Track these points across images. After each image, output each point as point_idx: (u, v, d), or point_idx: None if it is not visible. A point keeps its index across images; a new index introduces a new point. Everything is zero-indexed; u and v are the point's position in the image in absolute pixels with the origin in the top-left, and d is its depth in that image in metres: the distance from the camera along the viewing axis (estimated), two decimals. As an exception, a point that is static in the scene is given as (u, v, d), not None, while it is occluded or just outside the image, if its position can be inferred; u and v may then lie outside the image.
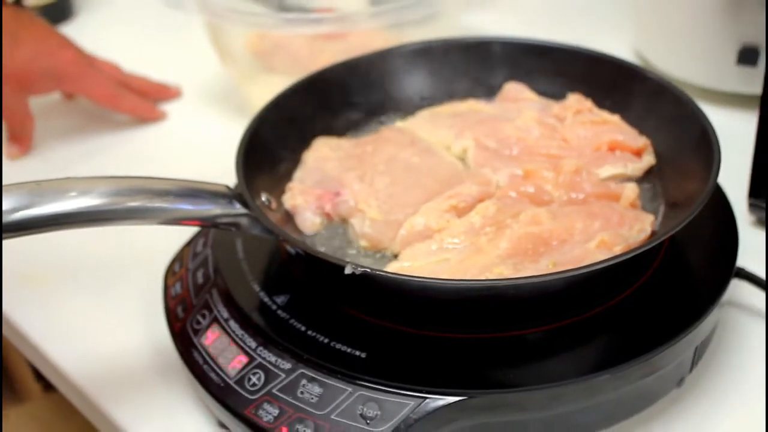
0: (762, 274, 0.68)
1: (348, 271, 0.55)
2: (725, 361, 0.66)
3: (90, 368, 0.68)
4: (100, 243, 0.78)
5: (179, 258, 0.70)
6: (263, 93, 0.98)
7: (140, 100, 1.00)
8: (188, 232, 0.72)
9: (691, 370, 0.62)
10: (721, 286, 0.62)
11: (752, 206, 0.77)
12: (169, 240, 0.73)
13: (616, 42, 1.05)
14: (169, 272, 0.70)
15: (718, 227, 0.67)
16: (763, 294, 0.69)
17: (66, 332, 0.72)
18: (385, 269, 0.61)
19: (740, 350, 0.67)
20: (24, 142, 0.94)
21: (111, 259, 0.77)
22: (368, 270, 0.55)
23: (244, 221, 0.61)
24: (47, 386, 1.29)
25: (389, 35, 0.94)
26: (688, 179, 0.65)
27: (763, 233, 0.77)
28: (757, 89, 0.90)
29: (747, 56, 0.88)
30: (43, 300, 0.75)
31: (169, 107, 1.02)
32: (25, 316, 0.74)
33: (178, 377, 0.66)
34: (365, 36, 0.96)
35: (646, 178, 0.70)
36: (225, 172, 0.79)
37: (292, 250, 0.64)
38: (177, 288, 0.67)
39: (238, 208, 0.60)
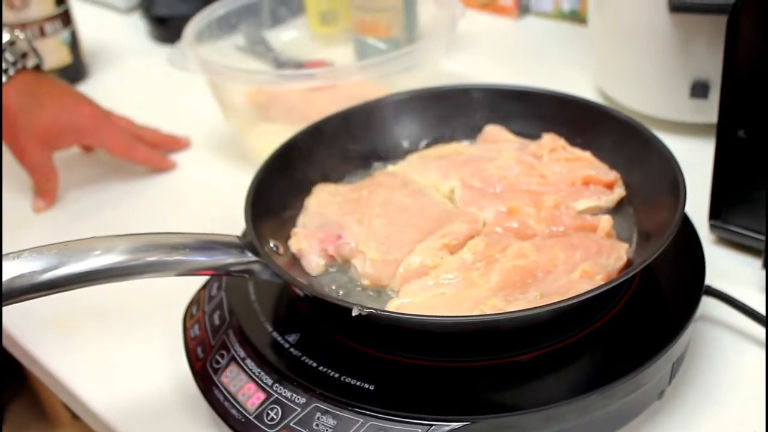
0: (726, 290, 0.68)
1: (355, 312, 0.53)
2: (699, 371, 0.65)
3: (117, 405, 0.67)
4: (122, 289, 0.74)
5: (196, 301, 0.69)
6: (263, 141, 0.97)
7: (152, 151, 0.98)
8: (203, 277, 0.70)
9: (669, 382, 0.61)
10: (693, 304, 0.61)
11: (713, 227, 0.76)
12: (185, 284, 0.71)
13: (578, 79, 1.05)
14: (188, 315, 0.68)
15: (685, 249, 0.66)
16: (729, 309, 0.68)
17: (94, 373, 0.70)
18: (387, 308, 0.59)
19: (712, 360, 0.66)
20: (49, 195, 0.92)
21: (132, 304, 0.75)
22: (373, 311, 0.54)
23: (255, 268, 0.59)
24: (76, 414, 1.27)
25: (376, 83, 0.93)
26: (656, 208, 0.65)
27: (723, 251, 0.76)
28: (709, 119, 0.91)
29: (698, 90, 0.88)
30: (70, 344, 0.73)
31: (178, 157, 1.00)
32: (54, 359, 0.72)
33: (199, 413, 0.65)
34: (354, 85, 0.95)
35: (618, 208, 0.69)
36: (231, 216, 0.78)
37: (300, 293, 0.63)
38: (195, 330, 0.66)
39: (249, 257, 0.59)
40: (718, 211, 0.75)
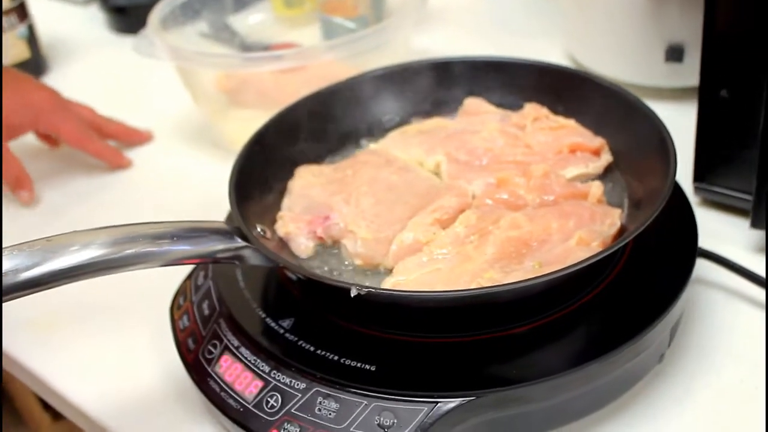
0: (715, 251, 0.68)
1: (354, 293, 0.52)
2: (696, 333, 0.65)
3: (107, 403, 0.64)
4: (101, 285, 0.72)
5: (182, 292, 0.67)
6: (236, 127, 0.95)
7: (107, 146, 0.94)
8: (186, 267, 0.68)
9: (669, 345, 0.61)
10: (688, 267, 0.60)
11: (697, 189, 0.76)
12: (167, 276, 0.68)
13: (550, 49, 1.04)
14: (174, 306, 0.66)
15: (675, 212, 0.65)
16: (720, 269, 0.68)
17: (80, 371, 0.68)
18: (383, 286, 0.58)
19: (707, 321, 0.66)
20: (26, 183, 0.88)
21: (113, 300, 0.73)
22: (372, 290, 0.52)
23: (245, 253, 0.57)
24: (56, 416, 1.24)
25: (347, 63, 0.91)
26: (645, 171, 0.64)
27: (709, 212, 0.76)
28: (685, 82, 0.91)
29: (673, 54, 0.88)
30: (53, 344, 0.71)
31: (148, 147, 0.97)
32: (37, 360, 0.69)
33: (193, 405, 0.63)
34: (325, 66, 0.93)
35: (606, 174, 0.68)
36: (208, 204, 0.76)
37: (294, 276, 0.61)
38: (184, 321, 0.64)
39: (239, 242, 0.57)
40: (702, 173, 0.75)
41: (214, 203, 0.81)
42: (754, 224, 0.69)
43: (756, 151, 0.70)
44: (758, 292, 0.67)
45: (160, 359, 0.67)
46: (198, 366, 0.60)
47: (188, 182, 0.91)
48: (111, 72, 1.15)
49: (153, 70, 1.05)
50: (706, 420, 0.58)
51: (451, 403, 0.52)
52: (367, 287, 0.52)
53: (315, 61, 0.89)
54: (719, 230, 0.73)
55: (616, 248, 0.54)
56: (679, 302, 0.58)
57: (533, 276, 0.52)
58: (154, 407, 0.64)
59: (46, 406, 1.21)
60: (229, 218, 0.70)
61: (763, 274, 0.66)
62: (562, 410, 0.56)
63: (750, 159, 0.71)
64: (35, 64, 1.14)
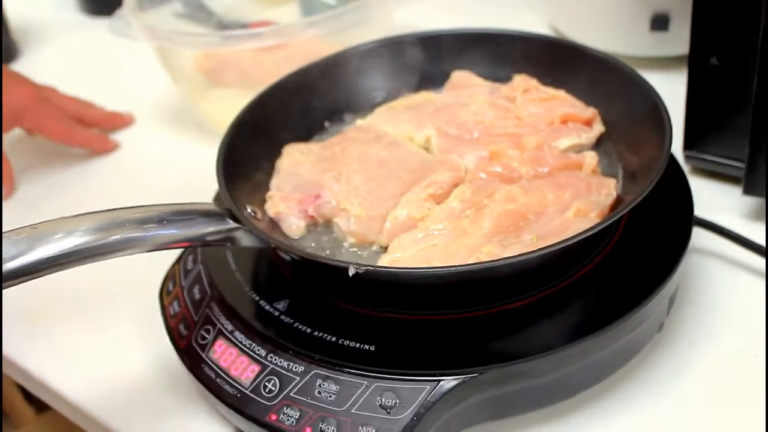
0: (711, 219, 0.67)
1: (352, 272, 0.50)
2: (693, 301, 0.64)
3: (97, 393, 0.63)
4: (85, 271, 0.71)
5: (171, 277, 0.65)
6: (217, 107, 0.93)
7: (92, 134, 0.92)
8: (174, 252, 0.66)
9: (668, 314, 0.60)
10: (685, 236, 0.60)
11: (688, 158, 0.75)
12: (155, 260, 0.67)
13: (534, 21, 1.03)
14: (164, 292, 0.64)
15: (669, 181, 0.64)
16: (713, 237, 0.67)
17: (67, 362, 0.66)
18: (380, 264, 0.56)
19: (704, 289, 0.65)
20: (7, 179, 0.86)
21: (99, 286, 0.71)
22: (370, 268, 0.51)
23: (237, 235, 0.56)
24: (40, 408, 1.21)
25: (328, 40, 0.90)
26: (638, 140, 0.63)
27: (700, 181, 0.76)
28: (670, 51, 0.90)
29: (659, 23, 0.87)
30: (37, 334, 0.69)
31: (128, 132, 0.95)
32: (22, 352, 0.67)
33: (187, 392, 0.61)
34: (305, 43, 0.91)
35: (598, 145, 0.67)
36: (192, 187, 0.74)
37: (287, 257, 0.60)
38: (175, 306, 0.62)
39: (230, 224, 0.56)
40: (692, 142, 0.74)
41: (199, 185, 0.79)
42: (747, 191, 0.69)
43: (746, 118, 0.69)
44: (754, 259, 0.66)
45: (150, 346, 0.65)
46: (191, 352, 0.58)
47: (172, 165, 0.89)
48: (85, 55, 1.13)
49: (129, 52, 1.03)
50: (705, 389, 0.58)
51: (454, 381, 0.51)
52: (365, 266, 0.51)
53: (295, 38, 0.87)
54: (711, 198, 0.73)
55: (617, 217, 0.52)
56: (677, 271, 0.57)
57: (535, 248, 0.50)
58: (146, 396, 0.62)
59: (30, 399, 1.19)
60: (217, 199, 0.68)
61: (758, 240, 0.66)
62: (563, 384, 0.55)
63: (740, 126, 0.70)
64: (6, 50, 1.11)
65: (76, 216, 0.52)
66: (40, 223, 0.51)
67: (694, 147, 0.74)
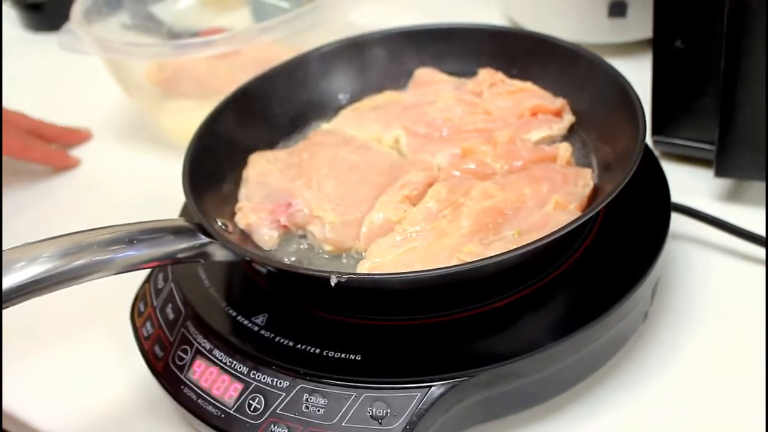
0: (684, 203, 0.67)
1: (334, 281, 0.49)
2: (673, 287, 0.64)
3: (73, 424, 0.60)
4: (49, 296, 0.69)
5: (141, 297, 0.62)
6: (174, 119, 0.91)
7: (51, 149, 0.90)
8: (143, 270, 0.64)
9: (651, 302, 0.60)
10: (664, 223, 0.59)
11: (656, 143, 0.75)
12: (122, 280, 0.64)
13: (488, 13, 1.02)
14: (135, 313, 0.62)
15: (643, 169, 0.63)
16: (687, 221, 0.67)
17: (39, 393, 0.63)
18: (360, 270, 0.55)
19: (684, 275, 0.65)
20: None
21: (64, 312, 0.68)
22: (353, 276, 0.49)
23: (210, 250, 0.54)
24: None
25: (283, 45, 0.88)
26: (610, 129, 0.62)
27: (669, 165, 0.75)
28: (628, 37, 0.90)
29: (616, 9, 0.86)
30: (7, 370, 0.65)
31: (85, 148, 0.92)
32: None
33: (167, 415, 0.59)
34: (260, 49, 0.89)
35: (569, 135, 0.66)
36: (154, 203, 0.73)
37: (263, 269, 0.58)
38: (148, 328, 0.60)
39: (203, 239, 0.53)
40: (660, 126, 0.74)
41: (162, 199, 0.77)
42: (719, 173, 0.68)
43: (713, 100, 0.69)
44: (731, 241, 0.66)
45: (124, 371, 0.63)
46: (169, 374, 0.56)
47: (132, 180, 0.86)
48: (33, 73, 1.09)
49: (78, 68, 1.00)
50: (694, 375, 0.58)
51: (444, 386, 0.50)
52: (347, 274, 0.49)
53: (250, 45, 0.85)
54: (682, 182, 0.72)
55: (601, 206, 0.51)
56: (660, 259, 0.57)
57: (521, 244, 0.49)
58: (124, 423, 0.60)
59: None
60: (184, 214, 0.66)
61: (733, 222, 0.65)
62: (554, 381, 0.54)
63: (707, 108, 0.71)
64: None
65: (38, 242, 0.49)
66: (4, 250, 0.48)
67: (662, 132, 0.74)
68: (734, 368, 0.58)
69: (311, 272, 0.52)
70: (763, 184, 0.71)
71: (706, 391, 0.56)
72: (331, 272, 0.49)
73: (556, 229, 0.51)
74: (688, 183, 0.73)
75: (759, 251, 0.65)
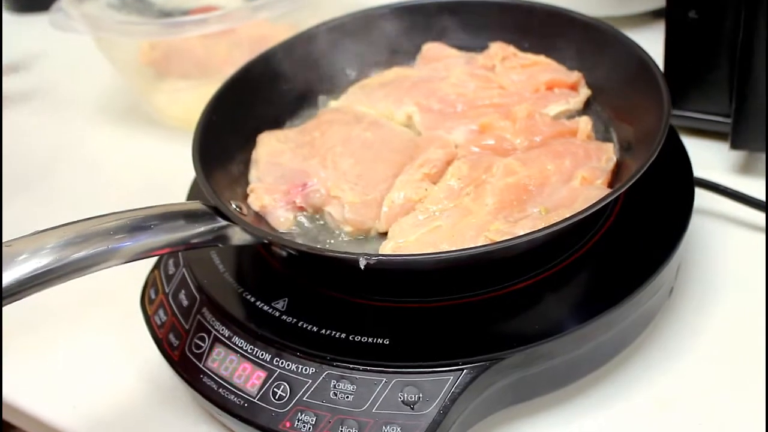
0: (702, 176, 0.65)
1: (363, 263, 0.47)
2: (696, 261, 0.63)
3: (84, 417, 0.58)
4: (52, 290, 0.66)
5: (152, 284, 0.60)
6: (169, 99, 0.88)
7: None
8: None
9: (676, 278, 0.58)
10: (689, 198, 0.58)
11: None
12: (127, 267, 0.62)
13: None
14: (146, 301, 0.59)
15: (665, 144, 0.62)
16: (706, 194, 0.66)
17: (48, 386, 0.60)
18: (381, 252, 0.53)
19: (705, 249, 0.64)
20: None
21: (71, 301, 0.65)
22: (383, 257, 0.47)
23: (228, 233, 0.51)
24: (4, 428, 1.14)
25: (278, 23, 0.85)
26: (629, 101, 0.61)
27: (684, 139, 0.74)
28: (638, 8, 0.88)
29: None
30: (11, 360, 0.63)
31: (79, 132, 0.89)
32: (5, 386, 0.61)
33: (184, 405, 0.57)
34: (255, 26, 0.86)
35: (585, 109, 0.65)
36: (156, 185, 0.70)
37: (283, 252, 0.55)
38: (161, 315, 0.57)
39: (221, 222, 0.51)
40: (673, 99, 0.72)
41: (162, 182, 0.75)
42: (734, 145, 0.67)
43: (726, 71, 0.68)
44: (750, 214, 0.65)
45: (135, 360, 0.60)
46: (186, 363, 0.54)
47: (128, 162, 0.83)
48: (23, 54, 1.05)
49: (68, 48, 0.96)
50: (720, 347, 0.57)
51: (478, 368, 0.48)
52: (376, 255, 0.47)
53: (245, 23, 0.82)
54: (695, 155, 0.71)
55: (633, 181, 0.49)
56: (687, 234, 0.55)
57: (550, 221, 0.47)
58: (139, 414, 0.57)
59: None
60: (193, 197, 0.64)
61: (752, 194, 0.64)
62: (584, 360, 0.53)
63: (720, 80, 0.69)
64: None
65: (41, 232, 0.46)
66: (11, 240, 0.45)
67: (675, 104, 0.72)
68: (758, 340, 0.56)
69: (338, 255, 0.50)
70: (778, 156, 0.70)
71: (734, 364, 0.55)
72: (360, 254, 0.47)
73: (585, 205, 0.49)
74: (701, 156, 0.71)
75: (779, 223, 0.64)
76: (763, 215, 0.64)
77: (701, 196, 0.66)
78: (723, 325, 0.58)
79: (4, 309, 0.54)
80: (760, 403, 0.53)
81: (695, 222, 0.65)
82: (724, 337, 0.57)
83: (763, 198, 0.64)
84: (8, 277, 0.44)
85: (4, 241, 0.45)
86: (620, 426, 0.53)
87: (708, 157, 0.71)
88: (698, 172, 0.66)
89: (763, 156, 0.71)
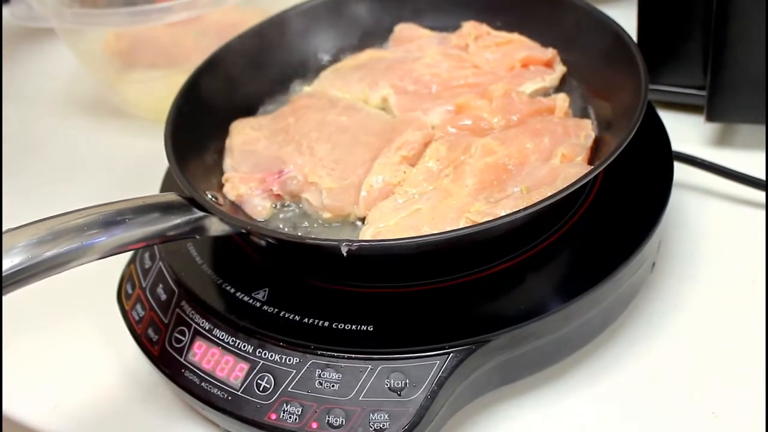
0: (678, 150, 0.65)
1: (344, 250, 0.46)
2: (676, 235, 0.62)
3: (64, 417, 0.56)
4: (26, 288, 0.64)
5: (128, 278, 0.58)
6: (137, 90, 0.86)
7: None
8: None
9: (657, 253, 0.58)
10: (668, 172, 0.57)
11: (642, 90, 0.73)
12: (104, 263, 0.60)
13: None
14: (122, 296, 0.58)
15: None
16: (682, 167, 0.66)
17: (26, 387, 0.59)
18: (364, 236, 0.52)
19: (684, 222, 0.63)
20: None
21: (45, 298, 0.63)
22: (364, 243, 0.46)
23: (206, 224, 0.50)
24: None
25: (245, 8, 0.83)
26: (606, 77, 0.60)
27: (661, 112, 0.74)
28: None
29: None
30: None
31: (46, 126, 0.86)
32: None
33: (166, 401, 0.56)
34: (223, 12, 0.84)
35: (561, 86, 0.64)
36: (129, 179, 0.68)
37: (262, 242, 0.54)
38: (138, 310, 0.56)
39: (197, 213, 0.50)
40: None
41: (133, 175, 0.73)
42: (710, 117, 0.67)
43: (699, 44, 0.68)
44: (727, 186, 0.65)
45: (116, 357, 0.59)
46: (167, 358, 0.53)
47: (98, 156, 0.81)
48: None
49: (30, 40, 0.94)
50: (703, 320, 0.56)
51: (464, 352, 0.47)
52: (358, 241, 0.46)
53: (212, 10, 0.80)
54: (672, 129, 0.70)
55: (614, 156, 0.49)
56: (668, 209, 0.55)
57: (534, 201, 0.47)
58: (121, 412, 0.56)
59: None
60: (166, 188, 0.62)
61: (729, 166, 0.64)
62: (570, 339, 0.52)
63: (693, 53, 0.69)
64: None
65: (10, 230, 0.45)
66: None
67: (650, 78, 0.71)
68: (741, 310, 0.56)
69: (319, 242, 0.48)
70: (753, 127, 0.70)
71: (717, 336, 0.55)
72: (341, 241, 0.46)
73: (566, 183, 0.49)
74: (677, 129, 0.70)
75: (758, 195, 0.63)
76: (742, 188, 0.64)
77: (679, 169, 0.65)
78: (705, 297, 0.58)
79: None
80: (746, 371, 0.53)
81: (674, 196, 0.65)
82: (707, 310, 0.57)
83: (740, 169, 0.64)
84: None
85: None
86: (608, 402, 0.52)
87: (683, 130, 0.71)
88: (675, 145, 0.65)
89: (736, 127, 0.70)
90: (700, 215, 0.64)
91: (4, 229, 0.45)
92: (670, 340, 0.55)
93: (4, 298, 0.45)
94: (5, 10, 0.78)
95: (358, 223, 0.55)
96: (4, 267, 0.44)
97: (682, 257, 0.61)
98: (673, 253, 0.61)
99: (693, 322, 0.56)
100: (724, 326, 0.56)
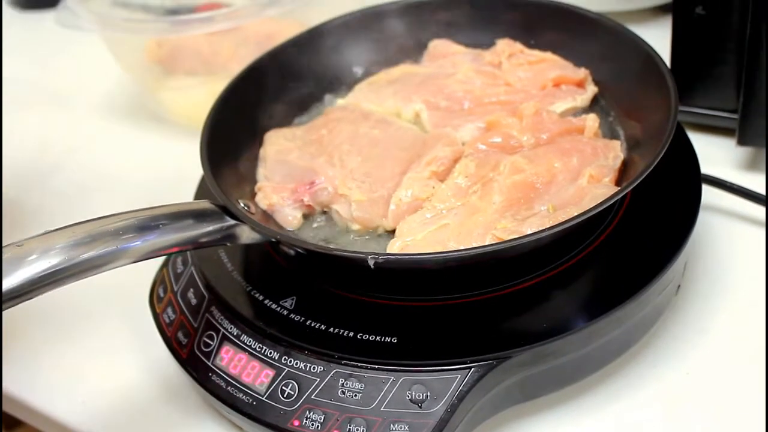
0: (708, 173, 0.65)
1: (371, 263, 0.46)
2: (702, 257, 0.62)
3: (94, 414, 0.58)
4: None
5: (160, 282, 0.60)
6: (175, 97, 0.87)
7: None
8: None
9: (683, 275, 0.58)
10: (696, 194, 0.57)
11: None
12: (135, 265, 0.62)
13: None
14: (154, 299, 0.59)
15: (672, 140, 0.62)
16: (713, 190, 0.65)
17: (56, 384, 0.60)
18: (389, 251, 0.52)
19: (710, 245, 0.63)
20: None
21: (78, 299, 0.65)
22: (391, 257, 0.47)
23: (237, 232, 0.51)
24: (11, 424, 1.14)
25: (284, 19, 0.85)
26: (636, 98, 0.60)
27: (690, 135, 0.73)
28: (639, 4, 0.87)
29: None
30: (18, 357, 0.63)
31: (85, 130, 0.88)
32: (14, 383, 0.61)
33: (191, 403, 0.57)
34: (262, 23, 0.86)
35: (592, 106, 0.64)
36: (164, 184, 0.69)
37: (291, 251, 0.55)
38: (169, 314, 0.57)
39: (230, 221, 0.51)
40: (680, 95, 0.71)
41: (170, 180, 0.75)
42: (741, 141, 0.67)
43: (732, 67, 0.68)
44: (756, 210, 0.64)
45: (145, 358, 0.60)
46: (195, 361, 0.54)
47: (135, 160, 0.83)
48: (25, 52, 1.04)
49: (73, 45, 0.96)
50: (727, 343, 0.56)
51: (485, 367, 0.48)
52: (384, 255, 0.47)
53: (252, 20, 0.82)
54: (703, 152, 0.70)
55: (641, 179, 0.49)
56: (694, 231, 0.55)
57: (560, 220, 0.47)
58: (147, 411, 0.57)
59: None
60: (200, 196, 0.63)
61: (759, 190, 0.64)
62: (592, 358, 0.52)
63: (726, 76, 0.69)
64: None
65: (50, 232, 0.46)
66: (8, 245, 0.45)
67: (682, 100, 0.71)
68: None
69: (347, 254, 0.49)
70: (785, 152, 0.69)
71: (741, 361, 0.55)
72: (368, 253, 0.47)
73: (593, 203, 0.49)
74: (707, 152, 0.70)
75: (786, 220, 0.63)
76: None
77: (707, 192, 0.65)
78: (730, 322, 0.58)
79: (14, 306, 0.54)
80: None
81: (701, 218, 0.64)
82: (732, 334, 0.57)
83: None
84: (19, 277, 0.44)
85: (15, 240, 0.45)
86: (628, 423, 0.52)
87: (714, 153, 0.71)
88: (704, 168, 0.65)
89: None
90: (728, 239, 0.63)
91: (42, 231, 0.46)
92: (693, 363, 0.55)
93: (43, 296, 0.47)
94: (50, 14, 0.80)
95: (387, 235, 0.56)
96: (43, 267, 0.45)
97: (708, 280, 0.60)
98: (698, 276, 0.61)
99: (717, 347, 0.56)
100: (748, 352, 0.55)
